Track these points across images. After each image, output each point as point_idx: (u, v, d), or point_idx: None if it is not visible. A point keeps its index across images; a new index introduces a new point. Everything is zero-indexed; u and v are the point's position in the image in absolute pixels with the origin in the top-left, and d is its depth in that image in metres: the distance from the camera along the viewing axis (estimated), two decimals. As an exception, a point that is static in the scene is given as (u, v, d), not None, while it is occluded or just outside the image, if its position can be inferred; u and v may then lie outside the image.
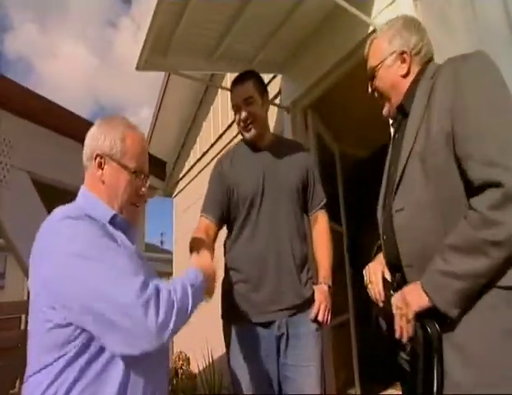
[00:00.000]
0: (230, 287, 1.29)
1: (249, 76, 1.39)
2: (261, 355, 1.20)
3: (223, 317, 1.33)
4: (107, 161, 0.86)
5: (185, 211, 4.26)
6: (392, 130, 1.11)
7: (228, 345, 1.28)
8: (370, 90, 1.00)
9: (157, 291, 0.71)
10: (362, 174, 3.75)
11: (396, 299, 0.80)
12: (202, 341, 3.07)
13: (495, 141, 0.70)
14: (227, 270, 1.34)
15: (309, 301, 1.27)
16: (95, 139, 0.87)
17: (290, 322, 1.23)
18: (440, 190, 0.77)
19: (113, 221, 0.84)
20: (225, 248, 1.39)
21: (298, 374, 1.21)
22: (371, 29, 1.64)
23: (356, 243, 3.36)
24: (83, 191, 0.88)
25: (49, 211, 0.82)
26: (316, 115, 2.41)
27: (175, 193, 4.65)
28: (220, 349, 2.75)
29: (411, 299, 0.75)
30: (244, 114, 1.33)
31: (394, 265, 0.87)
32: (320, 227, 1.42)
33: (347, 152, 2.90)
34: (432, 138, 0.78)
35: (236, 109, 1.36)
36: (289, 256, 1.27)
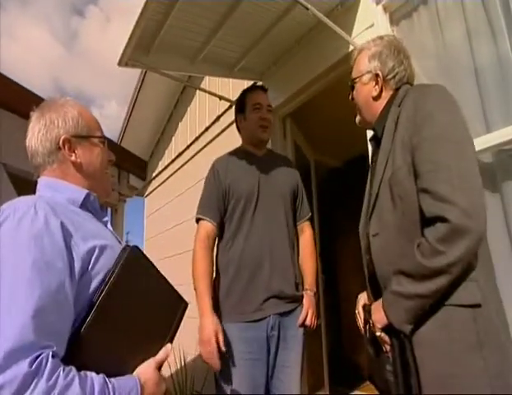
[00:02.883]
0: (223, 288, 1.33)
1: (267, 90, 1.55)
2: (253, 357, 1.24)
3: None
4: (77, 142, 0.81)
5: (158, 211, 4.18)
6: (369, 147, 1.18)
7: (218, 347, 1.30)
8: (350, 97, 1.07)
9: (31, 375, 0.50)
10: (335, 182, 3.90)
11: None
12: (174, 344, 3.02)
13: (446, 177, 0.75)
14: (221, 272, 1.37)
15: (299, 303, 1.35)
16: (53, 127, 0.79)
17: (282, 325, 1.29)
18: (407, 216, 0.83)
19: (84, 203, 0.79)
20: (218, 249, 1.42)
21: (283, 374, 1.27)
22: (351, 48, 1.73)
23: (329, 250, 3.48)
24: (46, 181, 0.79)
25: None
26: (294, 124, 2.48)
27: (147, 193, 4.55)
28: (193, 352, 2.73)
29: (375, 318, 0.86)
30: (268, 115, 1.46)
31: (375, 287, 0.93)
32: (306, 237, 1.50)
33: (322, 161, 3.00)
34: (396, 168, 0.85)
35: (259, 107, 1.46)
36: (282, 259, 1.34)
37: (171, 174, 3.90)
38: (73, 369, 0.58)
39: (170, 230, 3.71)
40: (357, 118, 1.07)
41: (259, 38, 1.98)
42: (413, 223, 0.82)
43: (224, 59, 2.13)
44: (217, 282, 1.37)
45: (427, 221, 0.77)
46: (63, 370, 0.56)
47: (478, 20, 1.37)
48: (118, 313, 0.69)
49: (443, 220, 0.73)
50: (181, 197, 3.58)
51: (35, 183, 0.81)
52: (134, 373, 0.69)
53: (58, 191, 0.78)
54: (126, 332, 0.69)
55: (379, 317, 0.84)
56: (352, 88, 1.05)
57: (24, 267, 0.59)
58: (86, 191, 0.80)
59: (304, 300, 1.36)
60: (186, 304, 0.84)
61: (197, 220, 1.40)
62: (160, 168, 4.18)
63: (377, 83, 0.98)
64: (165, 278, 0.81)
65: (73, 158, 0.80)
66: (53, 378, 0.53)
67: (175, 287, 0.84)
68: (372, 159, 1.04)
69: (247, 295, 1.28)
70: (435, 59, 1.52)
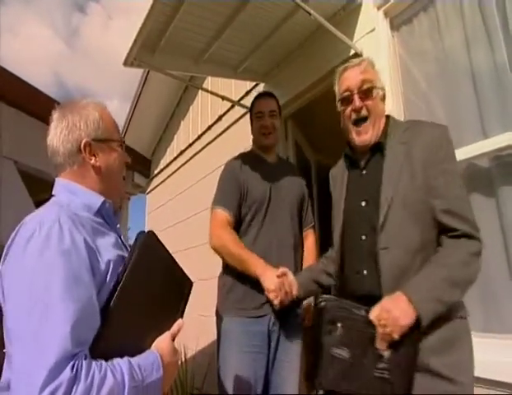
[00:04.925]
0: (229, 285, 1.38)
1: (273, 96, 1.61)
2: (254, 350, 1.29)
3: (217, 313, 1.41)
4: (97, 145, 0.81)
5: (159, 208, 4.22)
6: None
7: (220, 340, 1.36)
8: (359, 103, 1.00)
9: (73, 380, 0.57)
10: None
11: (379, 314, 0.83)
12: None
13: (466, 204, 0.91)
14: (228, 267, 1.42)
15: (300, 303, 1.39)
16: (75, 129, 0.79)
17: (282, 321, 1.34)
18: (424, 233, 0.90)
19: (100, 210, 0.80)
20: None
21: (283, 369, 1.33)
22: (352, 52, 1.76)
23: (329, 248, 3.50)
24: (64, 183, 0.80)
25: (35, 201, 0.77)
26: (295, 125, 2.51)
27: (149, 190, 4.58)
28: (193, 347, 2.78)
29: (401, 316, 0.80)
30: (268, 122, 1.51)
31: (366, 297, 0.93)
32: (309, 244, 1.57)
33: (322, 162, 3.03)
34: (415, 189, 0.91)
35: (261, 116, 1.52)
36: (287, 261, 1.39)
37: (173, 172, 3.93)
38: (103, 362, 0.64)
39: (172, 226, 3.75)
40: (366, 136, 1.03)
41: (262, 40, 2.01)
42: (430, 241, 0.91)
43: (227, 60, 2.16)
44: (222, 278, 1.43)
45: (452, 236, 0.88)
46: (97, 366, 0.62)
47: (476, 27, 1.40)
48: (140, 291, 0.75)
49: (471, 237, 0.87)
50: (183, 194, 3.61)
51: (45, 181, 0.84)
52: (153, 345, 0.75)
53: (75, 195, 0.79)
54: (147, 308, 0.76)
55: (406, 316, 0.80)
56: (367, 95, 1.00)
57: (57, 283, 0.62)
58: (102, 198, 0.81)
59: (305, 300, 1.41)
60: (192, 283, 0.91)
61: (212, 211, 1.43)
62: (162, 165, 4.21)
63: (384, 100, 1.07)
64: (173, 258, 0.87)
65: (93, 161, 0.81)
66: (90, 376, 0.60)
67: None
68: (360, 169, 1.07)
69: (251, 293, 1.33)
70: (434, 64, 1.55)
